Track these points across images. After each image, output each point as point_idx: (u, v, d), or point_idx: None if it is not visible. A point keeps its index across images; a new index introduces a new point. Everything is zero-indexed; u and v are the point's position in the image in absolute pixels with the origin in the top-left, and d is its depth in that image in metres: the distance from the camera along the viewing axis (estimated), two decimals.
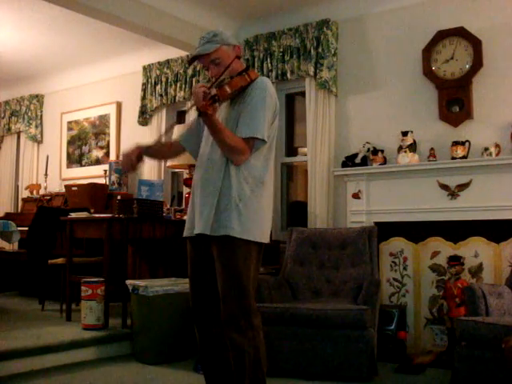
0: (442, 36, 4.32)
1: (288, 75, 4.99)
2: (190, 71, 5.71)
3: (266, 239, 2.35)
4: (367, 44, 4.77)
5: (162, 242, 4.74)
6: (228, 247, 2.26)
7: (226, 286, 2.27)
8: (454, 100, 4.28)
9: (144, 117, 6.06)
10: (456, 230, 4.14)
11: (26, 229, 5.09)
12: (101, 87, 6.68)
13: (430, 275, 4.21)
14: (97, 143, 6.71)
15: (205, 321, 2.42)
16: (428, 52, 4.36)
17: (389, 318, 3.98)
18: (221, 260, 2.28)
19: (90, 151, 6.78)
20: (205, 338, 2.43)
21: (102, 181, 6.12)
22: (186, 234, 2.44)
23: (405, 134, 4.33)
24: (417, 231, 4.30)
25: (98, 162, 6.64)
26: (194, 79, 5.67)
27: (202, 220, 2.29)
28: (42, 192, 6.76)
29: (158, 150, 2.69)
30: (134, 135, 6.23)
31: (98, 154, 6.68)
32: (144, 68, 6.11)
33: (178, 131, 2.73)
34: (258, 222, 2.30)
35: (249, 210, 2.27)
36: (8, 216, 6.32)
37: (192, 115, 2.68)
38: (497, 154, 4.02)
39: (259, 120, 2.27)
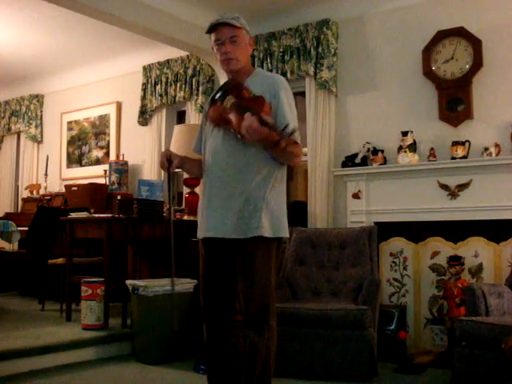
0: (442, 36, 4.32)
1: (288, 75, 4.98)
2: (190, 71, 5.72)
3: (287, 233, 2.41)
4: (367, 44, 4.77)
5: (161, 241, 4.73)
6: (255, 247, 2.28)
7: (249, 286, 2.28)
8: (454, 100, 4.28)
9: (144, 117, 6.06)
10: (456, 230, 4.14)
11: (26, 229, 5.09)
12: (101, 87, 6.68)
13: (429, 275, 4.21)
14: (97, 143, 6.71)
15: (218, 322, 2.40)
16: (428, 52, 4.36)
17: (389, 318, 3.98)
18: (246, 260, 2.29)
19: (90, 151, 6.78)
20: (215, 338, 2.42)
21: (102, 181, 6.12)
22: (203, 235, 2.41)
23: (405, 134, 4.33)
24: (417, 231, 4.30)
25: (98, 161, 6.65)
26: (193, 79, 5.67)
27: (226, 224, 2.29)
28: (42, 192, 6.76)
29: (191, 167, 2.62)
30: (134, 135, 6.24)
31: (98, 154, 6.68)
32: (144, 68, 6.11)
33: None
34: (281, 217, 2.37)
35: (274, 208, 2.33)
36: (8, 216, 6.32)
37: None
38: (497, 154, 4.01)
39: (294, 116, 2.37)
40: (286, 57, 5.02)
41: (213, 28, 2.37)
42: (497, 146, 4.03)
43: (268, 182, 2.34)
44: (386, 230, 4.37)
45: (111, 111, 6.54)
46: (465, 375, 3.06)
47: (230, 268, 2.35)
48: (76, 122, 6.94)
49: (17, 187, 7.47)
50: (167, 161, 2.39)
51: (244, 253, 2.30)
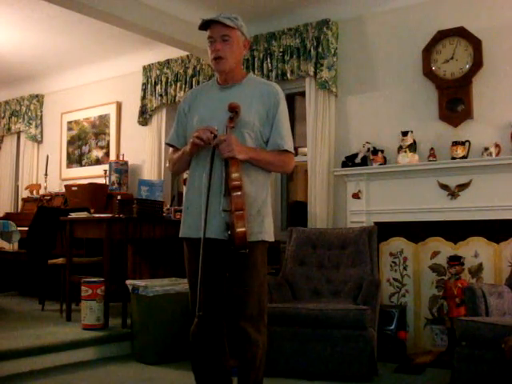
0: (442, 36, 4.32)
1: (288, 75, 4.98)
2: (189, 71, 5.71)
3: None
4: (367, 44, 4.77)
5: (161, 241, 4.74)
6: (256, 250, 2.31)
7: (249, 287, 2.31)
8: (454, 100, 4.28)
9: (144, 117, 6.06)
10: (456, 230, 4.14)
11: (26, 229, 5.09)
12: (101, 87, 6.68)
13: (429, 275, 4.21)
14: (97, 143, 6.71)
15: (213, 324, 2.38)
16: (428, 52, 4.36)
17: (389, 318, 3.98)
18: (247, 262, 2.30)
19: (90, 151, 6.78)
20: (209, 340, 2.39)
21: (102, 181, 6.12)
22: (193, 235, 2.34)
23: (405, 133, 4.33)
24: (417, 231, 4.30)
25: (98, 162, 6.65)
26: (193, 79, 5.67)
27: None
28: (42, 192, 6.76)
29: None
30: (134, 135, 6.24)
31: (97, 154, 6.68)
32: (144, 68, 6.11)
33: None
34: (271, 222, 2.43)
35: (267, 213, 2.39)
36: (8, 216, 6.32)
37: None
38: (497, 154, 4.02)
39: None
40: (286, 57, 5.02)
41: (206, 25, 2.37)
42: (497, 146, 4.03)
43: (266, 187, 2.39)
44: (386, 230, 4.37)
45: (111, 111, 6.54)
46: (465, 375, 3.06)
47: (221, 267, 2.35)
48: (76, 122, 6.94)
49: (17, 187, 7.47)
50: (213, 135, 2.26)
51: (245, 255, 2.27)
